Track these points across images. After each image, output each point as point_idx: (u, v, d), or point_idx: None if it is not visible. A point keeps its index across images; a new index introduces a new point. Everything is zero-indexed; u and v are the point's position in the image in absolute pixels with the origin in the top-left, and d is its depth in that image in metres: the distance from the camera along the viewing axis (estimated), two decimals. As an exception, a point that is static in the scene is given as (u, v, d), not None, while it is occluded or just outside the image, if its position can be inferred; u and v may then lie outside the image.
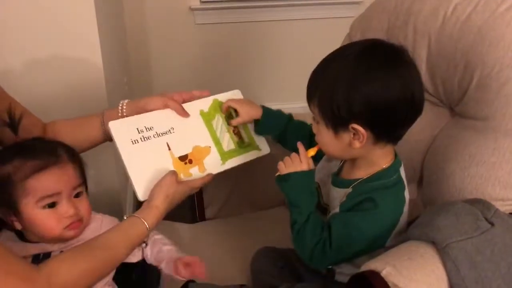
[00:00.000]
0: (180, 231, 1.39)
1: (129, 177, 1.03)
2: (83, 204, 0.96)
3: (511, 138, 1.01)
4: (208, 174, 1.10)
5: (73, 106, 1.41)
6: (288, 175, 0.98)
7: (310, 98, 0.95)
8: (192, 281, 1.17)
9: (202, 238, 1.36)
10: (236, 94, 1.24)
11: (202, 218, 1.47)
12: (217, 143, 1.15)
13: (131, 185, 1.04)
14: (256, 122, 1.21)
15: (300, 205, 0.97)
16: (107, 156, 1.50)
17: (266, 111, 1.20)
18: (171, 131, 1.10)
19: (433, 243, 0.87)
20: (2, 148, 0.96)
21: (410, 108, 0.91)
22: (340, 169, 1.06)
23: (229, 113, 1.19)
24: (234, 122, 1.19)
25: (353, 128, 0.90)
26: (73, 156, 0.97)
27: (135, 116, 1.10)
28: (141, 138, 1.06)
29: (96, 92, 1.51)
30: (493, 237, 0.88)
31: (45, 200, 0.90)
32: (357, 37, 1.35)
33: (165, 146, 1.08)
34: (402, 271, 0.82)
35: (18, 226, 0.93)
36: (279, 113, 1.22)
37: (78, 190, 0.96)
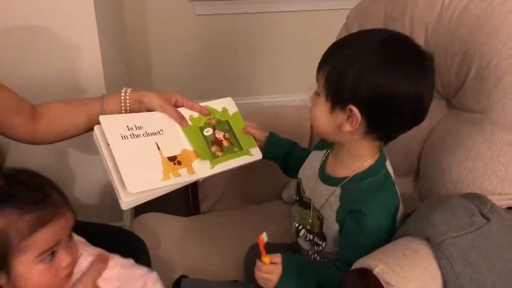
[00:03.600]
0: (173, 224, 1.37)
1: (115, 171, 0.99)
2: (75, 246, 0.86)
3: (508, 131, 0.99)
4: None
5: (71, 97, 1.39)
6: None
7: (321, 66, 0.93)
8: (185, 276, 1.16)
9: (196, 231, 1.35)
10: (228, 102, 1.22)
11: (197, 212, 1.46)
12: (205, 148, 1.13)
13: (114, 182, 1.00)
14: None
15: None
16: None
17: (271, 136, 1.19)
18: (160, 132, 1.09)
19: (428, 239, 0.86)
20: None
21: (412, 112, 0.90)
22: (324, 163, 1.04)
23: (219, 121, 1.18)
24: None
25: (350, 110, 0.88)
26: (62, 193, 0.85)
27: (126, 114, 1.10)
28: (130, 135, 1.05)
29: (95, 83, 1.51)
30: (489, 233, 0.87)
31: (45, 254, 0.79)
32: (354, 28, 1.32)
33: (154, 145, 1.07)
34: (395, 268, 0.80)
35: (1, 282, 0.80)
36: (283, 140, 1.21)
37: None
